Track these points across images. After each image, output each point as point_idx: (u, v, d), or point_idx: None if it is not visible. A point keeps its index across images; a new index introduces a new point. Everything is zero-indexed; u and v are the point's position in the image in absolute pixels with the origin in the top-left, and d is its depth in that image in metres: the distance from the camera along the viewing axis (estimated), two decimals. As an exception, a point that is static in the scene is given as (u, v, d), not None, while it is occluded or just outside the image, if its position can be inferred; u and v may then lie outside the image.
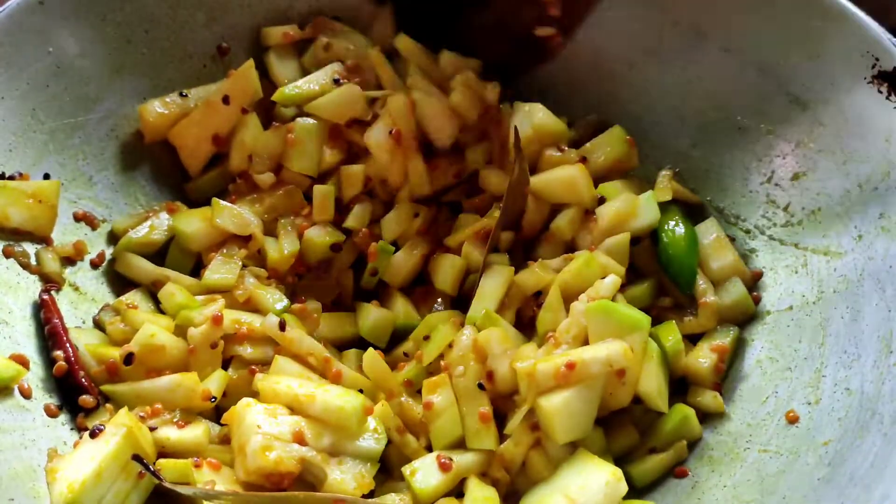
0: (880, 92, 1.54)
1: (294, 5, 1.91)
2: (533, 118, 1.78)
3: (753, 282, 1.72)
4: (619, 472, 1.43)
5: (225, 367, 1.60)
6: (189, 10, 1.82)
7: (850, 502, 1.28)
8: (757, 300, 1.70)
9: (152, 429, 1.46)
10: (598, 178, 1.79)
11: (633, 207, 1.70)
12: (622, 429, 1.58)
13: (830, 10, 1.60)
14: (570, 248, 1.75)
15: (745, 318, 1.70)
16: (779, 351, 1.61)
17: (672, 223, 1.73)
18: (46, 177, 1.66)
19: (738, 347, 1.67)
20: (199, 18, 1.84)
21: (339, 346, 1.72)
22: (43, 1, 1.64)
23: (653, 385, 1.52)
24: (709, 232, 1.75)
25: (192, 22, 1.83)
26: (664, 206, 1.74)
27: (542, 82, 1.94)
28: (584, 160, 1.77)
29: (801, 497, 1.36)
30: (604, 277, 1.59)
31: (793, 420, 1.50)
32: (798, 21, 1.65)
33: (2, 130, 1.60)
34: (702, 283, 1.69)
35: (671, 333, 1.63)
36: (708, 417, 1.61)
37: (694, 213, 1.80)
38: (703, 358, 1.63)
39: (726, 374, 1.66)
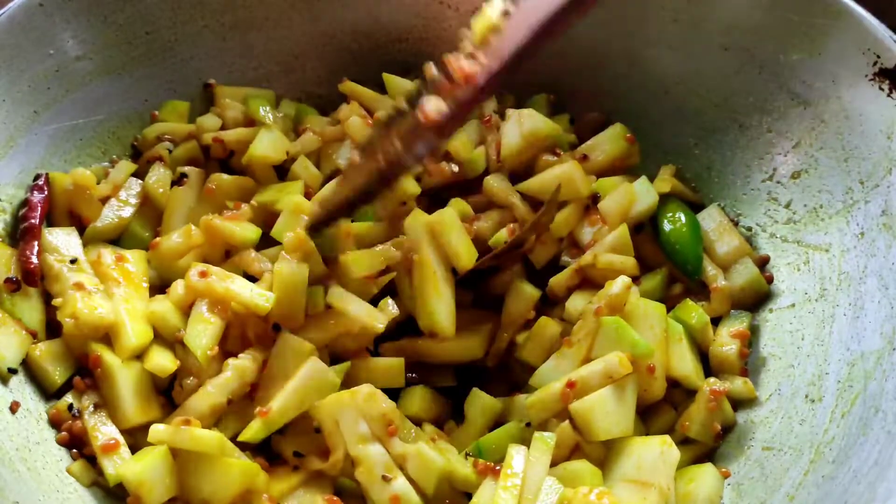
0: (881, 89, 1.54)
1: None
2: (523, 126, 1.77)
3: (762, 265, 1.73)
4: (666, 438, 1.44)
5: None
6: (189, 11, 1.82)
7: (853, 499, 1.28)
8: (770, 279, 1.70)
9: None
10: (600, 176, 1.78)
11: (630, 195, 1.71)
12: (658, 411, 1.58)
13: (831, 8, 1.60)
14: (572, 241, 1.75)
15: (758, 298, 1.70)
16: (781, 348, 1.61)
17: (672, 213, 1.74)
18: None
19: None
20: (200, 19, 1.84)
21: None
22: (43, 3, 1.65)
23: (688, 366, 1.54)
24: (712, 219, 1.76)
25: (193, 22, 1.83)
26: (664, 199, 1.75)
27: (544, 79, 1.94)
28: (584, 158, 1.77)
29: (805, 494, 1.36)
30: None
31: (796, 417, 1.50)
32: (799, 18, 1.65)
33: (3, 132, 1.60)
34: (710, 269, 1.70)
35: (692, 311, 1.63)
36: (739, 404, 1.60)
37: (695, 210, 1.80)
38: (726, 345, 1.62)
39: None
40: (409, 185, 1.72)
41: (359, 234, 1.65)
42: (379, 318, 1.56)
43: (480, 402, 1.60)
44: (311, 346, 1.50)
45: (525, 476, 1.41)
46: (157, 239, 1.65)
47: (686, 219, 1.73)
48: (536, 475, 1.41)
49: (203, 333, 1.51)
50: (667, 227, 1.72)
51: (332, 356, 1.58)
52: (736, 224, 1.77)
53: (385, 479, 1.42)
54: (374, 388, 1.46)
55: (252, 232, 1.65)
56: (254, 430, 1.44)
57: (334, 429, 1.44)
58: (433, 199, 1.80)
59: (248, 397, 1.52)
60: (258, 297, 1.52)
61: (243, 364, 1.49)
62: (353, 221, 1.67)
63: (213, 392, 1.46)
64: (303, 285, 1.54)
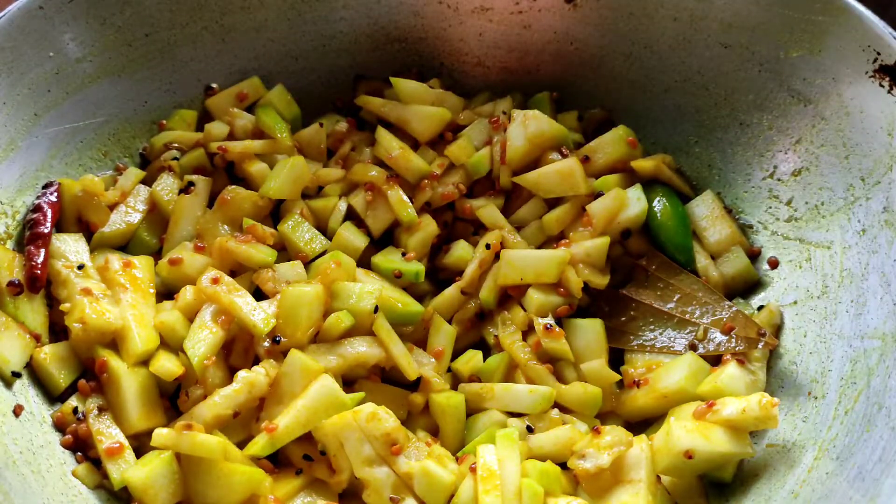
0: (882, 86, 1.54)
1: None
2: (528, 129, 1.77)
3: (752, 256, 1.75)
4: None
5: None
6: (189, 13, 1.82)
7: (858, 496, 1.29)
8: (774, 264, 1.72)
9: None
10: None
11: (621, 200, 1.72)
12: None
13: (831, 5, 1.60)
14: (561, 237, 1.76)
15: (749, 287, 1.73)
16: (783, 345, 1.62)
17: (657, 204, 1.76)
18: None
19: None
20: (199, 20, 1.84)
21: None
22: (43, 5, 1.64)
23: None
24: (705, 206, 1.78)
25: (192, 24, 1.83)
26: (651, 187, 1.77)
27: (546, 78, 1.95)
28: (586, 160, 1.78)
29: (810, 491, 1.37)
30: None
31: (799, 414, 1.51)
32: (798, 16, 1.65)
33: (3, 135, 1.60)
34: (702, 261, 1.72)
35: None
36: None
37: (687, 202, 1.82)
38: None
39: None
40: (404, 213, 1.74)
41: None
42: (415, 365, 1.60)
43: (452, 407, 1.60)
44: (320, 366, 1.50)
45: (502, 475, 1.42)
46: (176, 256, 1.65)
47: (670, 208, 1.75)
48: (511, 472, 1.43)
49: (202, 341, 1.51)
50: (653, 221, 1.75)
51: (344, 376, 1.58)
52: (730, 212, 1.79)
53: (393, 500, 1.43)
54: (376, 408, 1.46)
55: (268, 255, 1.66)
56: (259, 446, 1.44)
57: (339, 451, 1.45)
58: (436, 212, 1.81)
59: (255, 409, 1.52)
60: (259, 318, 1.53)
61: (254, 377, 1.48)
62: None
63: (219, 402, 1.46)
64: (307, 308, 1.54)
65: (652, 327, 1.68)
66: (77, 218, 1.68)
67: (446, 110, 1.84)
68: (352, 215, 1.80)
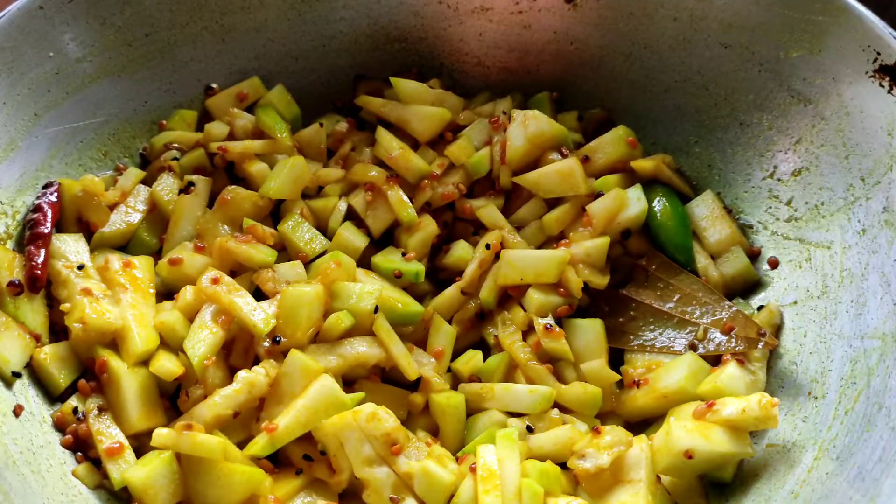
0: (882, 86, 1.54)
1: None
2: (528, 129, 1.77)
3: (752, 256, 1.75)
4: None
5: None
6: (189, 13, 1.82)
7: (858, 496, 1.29)
8: (774, 264, 1.72)
9: None
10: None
11: (621, 200, 1.72)
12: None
13: (831, 5, 1.60)
14: (561, 237, 1.76)
15: (749, 287, 1.73)
16: (784, 345, 1.62)
17: (657, 204, 1.76)
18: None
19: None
20: (199, 20, 1.84)
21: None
22: (43, 5, 1.64)
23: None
24: (705, 206, 1.79)
25: (192, 24, 1.83)
26: (651, 187, 1.77)
27: (546, 78, 1.95)
28: (586, 160, 1.78)
29: (809, 491, 1.37)
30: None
31: (799, 415, 1.51)
32: (799, 16, 1.65)
33: (4, 135, 1.60)
34: (702, 261, 1.73)
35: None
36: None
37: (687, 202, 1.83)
38: None
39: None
40: (404, 213, 1.74)
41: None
42: (415, 365, 1.60)
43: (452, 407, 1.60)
44: (320, 366, 1.50)
45: (501, 475, 1.42)
46: (176, 256, 1.65)
47: (670, 208, 1.75)
48: (511, 472, 1.43)
49: (202, 341, 1.51)
50: (654, 221, 1.75)
51: (344, 376, 1.58)
52: (729, 212, 1.79)
53: (393, 500, 1.43)
54: (376, 408, 1.46)
55: (268, 255, 1.66)
56: (260, 446, 1.44)
57: (339, 451, 1.45)
58: (436, 212, 1.81)
59: (255, 409, 1.52)
60: (259, 318, 1.53)
61: (254, 377, 1.49)
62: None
63: (219, 402, 1.46)
64: (307, 308, 1.54)
65: (652, 327, 1.68)
66: (77, 218, 1.68)
67: (446, 110, 1.84)
68: (352, 215, 1.80)
